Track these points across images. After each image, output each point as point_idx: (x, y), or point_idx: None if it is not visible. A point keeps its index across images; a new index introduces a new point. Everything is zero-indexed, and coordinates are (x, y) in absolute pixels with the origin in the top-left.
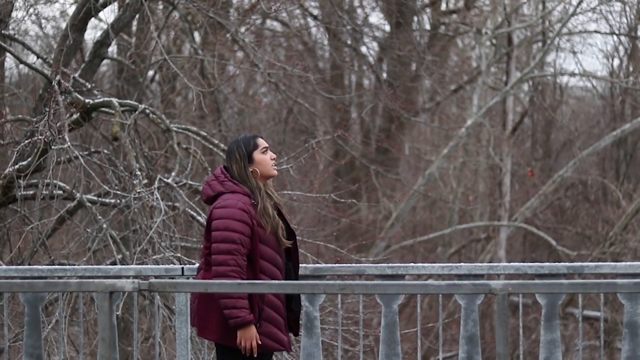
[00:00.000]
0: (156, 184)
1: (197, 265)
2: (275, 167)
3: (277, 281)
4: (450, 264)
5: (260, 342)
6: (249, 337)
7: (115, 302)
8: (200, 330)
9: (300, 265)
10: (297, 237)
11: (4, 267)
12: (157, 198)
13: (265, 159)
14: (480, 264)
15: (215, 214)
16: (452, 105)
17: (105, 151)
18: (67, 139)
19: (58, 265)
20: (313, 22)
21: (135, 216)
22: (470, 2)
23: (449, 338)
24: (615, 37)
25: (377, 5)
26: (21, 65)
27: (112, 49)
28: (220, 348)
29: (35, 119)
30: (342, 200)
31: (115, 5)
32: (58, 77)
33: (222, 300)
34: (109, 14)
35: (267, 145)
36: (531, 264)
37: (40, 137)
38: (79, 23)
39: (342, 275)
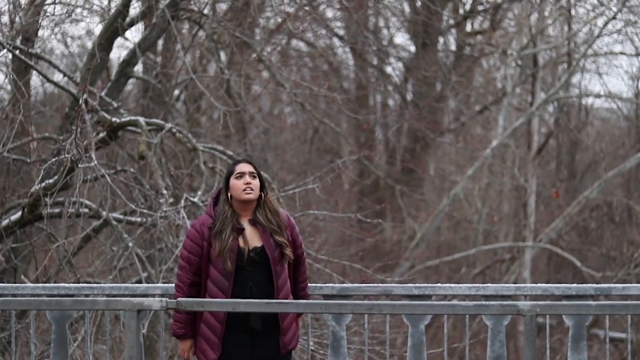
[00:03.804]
0: (182, 203)
1: None
2: (250, 192)
3: (302, 301)
4: (478, 285)
5: (190, 355)
6: (182, 349)
7: (142, 320)
8: None
9: (325, 285)
10: (323, 257)
11: (31, 284)
12: (183, 217)
13: (236, 184)
14: (507, 285)
15: None
16: (477, 125)
17: (132, 170)
18: (94, 157)
19: (84, 283)
20: (339, 42)
21: (161, 235)
22: (496, 23)
23: (472, 358)
24: None
25: (402, 25)
26: (47, 84)
27: (138, 68)
28: None
29: (62, 137)
30: (367, 220)
31: (142, 24)
32: (85, 96)
33: None
34: (135, 33)
35: (244, 170)
36: (558, 285)
37: (67, 155)
38: (105, 42)
39: (368, 295)
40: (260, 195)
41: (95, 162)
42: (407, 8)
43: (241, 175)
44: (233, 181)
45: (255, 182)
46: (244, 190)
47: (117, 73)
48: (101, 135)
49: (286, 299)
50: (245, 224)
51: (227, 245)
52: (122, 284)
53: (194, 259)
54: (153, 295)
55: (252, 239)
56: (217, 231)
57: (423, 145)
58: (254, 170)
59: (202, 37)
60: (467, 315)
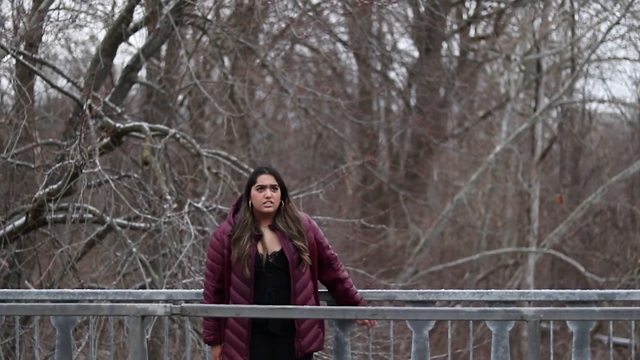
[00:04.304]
0: (186, 208)
1: None
2: (269, 205)
3: (306, 307)
4: (481, 291)
5: None
6: (214, 355)
7: (146, 326)
8: None
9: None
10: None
11: (35, 290)
12: (187, 222)
13: (256, 195)
14: (511, 291)
15: None
16: (480, 131)
17: (135, 175)
18: (98, 162)
19: (87, 288)
20: (342, 48)
21: (165, 240)
22: (499, 29)
23: None
24: None
25: (406, 31)
26: (51, 89)
27: (142, 74)
28: None
29: (65, 143)
30: (371, 225)
31: (145, 30)
32: (89, 101)
33: None
34: (139, 39)
35: (265, 183)
36: (562, 290)
37: (70, 160)
38: (109, 47)
39: (372, 300)
40: (280, 203)
41: (99, 167)
42: (410, 13)
43: (262, 188)
44: (254, 192)
45: (276, 195)
46: (264, 203)
47: (121, 78)
48: (105, 140)
49: (306, 302)
50: (264, 230)
51: (244, 252)
52: (126, 290)
53: (217, 266)
54: (157, 301)
55: (272, 244)
56: (236, 238)
57: (426, 150)
58: (275, 182)
59: (206, 43)
60: (471, 321)
